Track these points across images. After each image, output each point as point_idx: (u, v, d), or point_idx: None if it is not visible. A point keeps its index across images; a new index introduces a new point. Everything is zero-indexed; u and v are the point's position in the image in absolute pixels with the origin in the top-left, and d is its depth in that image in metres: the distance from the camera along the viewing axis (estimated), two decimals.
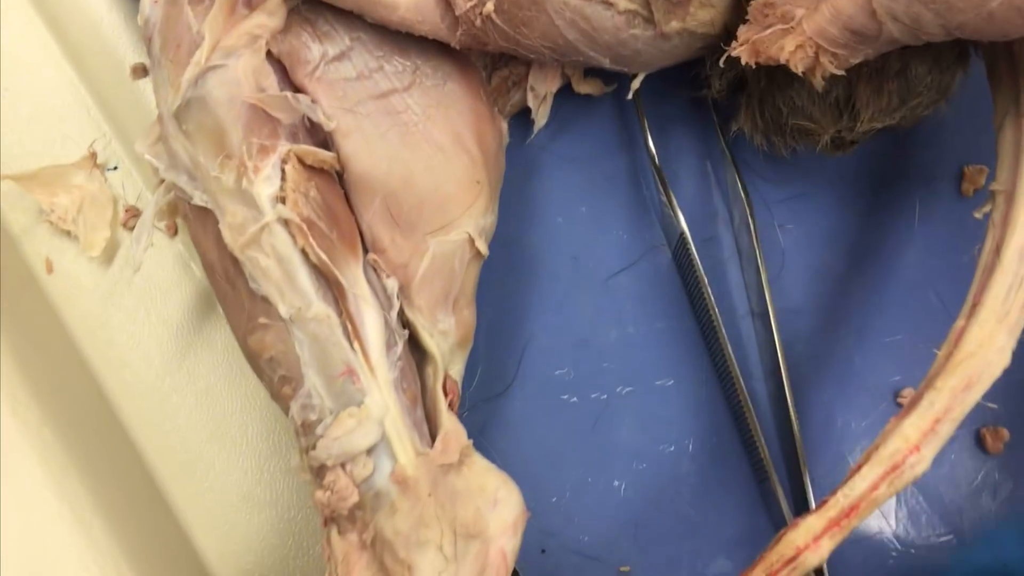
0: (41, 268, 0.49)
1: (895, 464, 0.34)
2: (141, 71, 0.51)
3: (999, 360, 0.36)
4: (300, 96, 0.39)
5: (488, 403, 0.46)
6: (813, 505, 0.42)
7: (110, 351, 0.48)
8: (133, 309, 0.49)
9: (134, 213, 0.50)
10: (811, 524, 0.34)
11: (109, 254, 0.49)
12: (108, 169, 0.51)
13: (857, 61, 0.38)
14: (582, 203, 0.48)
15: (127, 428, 0.47)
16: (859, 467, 0.34)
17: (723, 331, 0.43)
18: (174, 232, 0.50)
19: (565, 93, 0.48)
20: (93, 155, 0.50)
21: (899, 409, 0.44)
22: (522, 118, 0.48)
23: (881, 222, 0.48)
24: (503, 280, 0.47)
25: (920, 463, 0.34)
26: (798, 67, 0.38)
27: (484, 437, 0.45)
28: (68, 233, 0.49)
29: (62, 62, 0.52)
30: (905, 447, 0.34)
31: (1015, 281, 0.37)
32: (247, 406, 0.47)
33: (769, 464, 0.43)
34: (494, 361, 0.46)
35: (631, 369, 0.46)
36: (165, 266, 0.49)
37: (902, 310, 0.46)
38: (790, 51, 0.38)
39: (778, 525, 0.43)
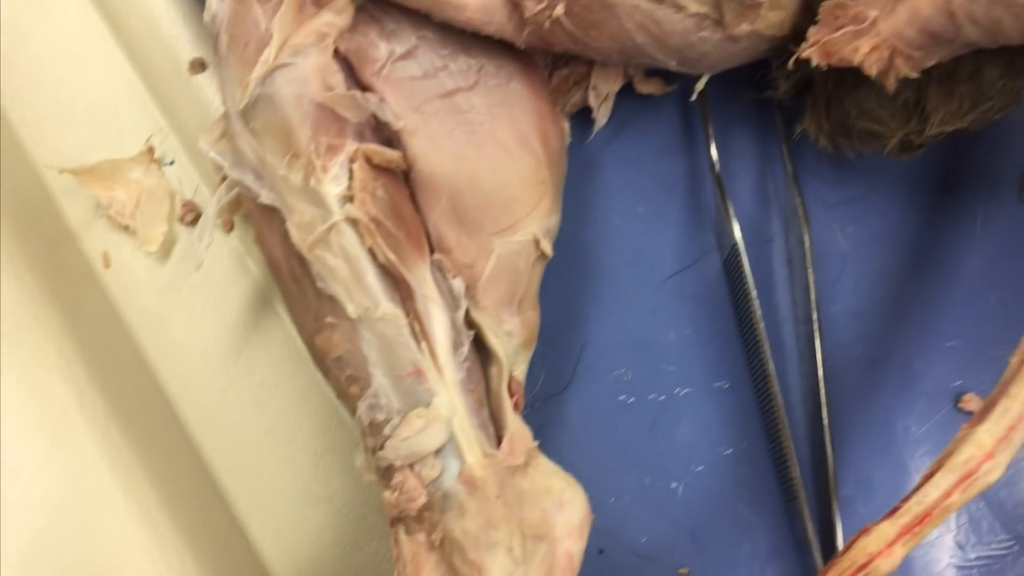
0: (99, 262, 0.49)
1: (969, 471, 0.34)
2: (199, 66, 0.51)
3: None
4: (369, 95, 0.39)
5: (546, 403, 0.46)
6: (838, 521, 0.42)
7: (167, 345, 0.48)
8: (190, 304, 0.49)
9: (191, 208, 0.50)
10: (884, 530, 0.34)
11: (166, 249, 0.50)
12: (165, 164, 0.51)
13: (931, 63, 0.38)
14: (640, 204, 0.48)
15: (184, 422, 0.47)
16: (932, 474, 0.34)
17: (766, 344, 0.43)
18: (230, 228, 0.50)
19: (625, 92, 0.47)
20: (150, 150, 0.50)
21: (959, 414, 0.44)
22: (581, 117, 0.47)
23: (942, 225, 0.47)
24: (561, 279, 0.46)
25: (994, 470, 0.34)
26: (872, 69, 0.37)
27: (542, 437, 0.44)
28: (126, 228, 0.49)
29: (119, 56, 0.52)
30: (979, 454, 0.34)
31: None
32: (303, 402, 0.47)
33: (798, 481, 0.43)
34: (552, 361, 0.46)
35: (689, 370, 0.46)
36: (222, 262, 0.49)
37: (963, 314, 0.46)
38: (864, 53, 0.37)
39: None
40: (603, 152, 0.48)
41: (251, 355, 0.48)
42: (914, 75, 0.37)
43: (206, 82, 0.51)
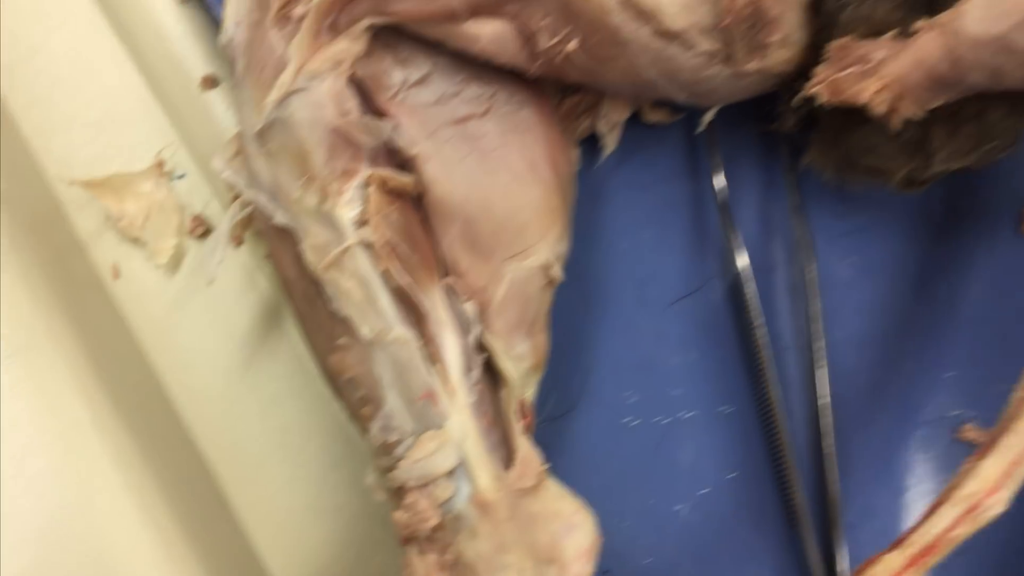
0: (108, 274, 0.50)
1: (974, 504, 0.34)
2: (210, 82, 0.52)
3: None
4: (383, 121, 0.39)
5: (552, 424, 0.46)
6: (844, 547, 0.43)
7: (175, 358, 0.49)
8: (198, 317, 0.49)
9: (200, 222, 0.50)
10: (891, 561, 0.34)
11: (175, 262, 0.50)
12: (175, 177, 0.51)
13: (936, 105, 0.38)
14: (647, 229, 0.49)
15: (193, 435, 0.48)
16: (937, 505, 0.35)
17: (771, 371, 0.44)
18: (240, 242, 0.50)
19: (633, 119, 0.48)
20: (161, 163, 0.51)
21: (959, 444, 0.45)
22: (589, 143, 0.48)
23: (943, 256, 0.48)
24: (568, 302, 0.47)
25: (998, 504, 0.35)
26: (878, 109, 0.38)
27: (547, 458, 0.45)
28: (135, 240, 0.50)
29: (130, 69, 0.52)
30: (984, 488, 0.35)
31: None
32: (310, 417, 0.48)
33: (802, 507, 0.43)
34: (558, 382, 0.47)
35: (693, 394, 0.47)
36: (231, 275, 0.50)
37: (962, 345, 0.47)
38: (871, 93, 0.38)
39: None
40: (611, 177, 0.49)
41: (259, 369, 0.49)
42: (919, 116, 0.38)
43: (217, 98, 0.52)
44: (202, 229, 0.50)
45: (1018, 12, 0.34)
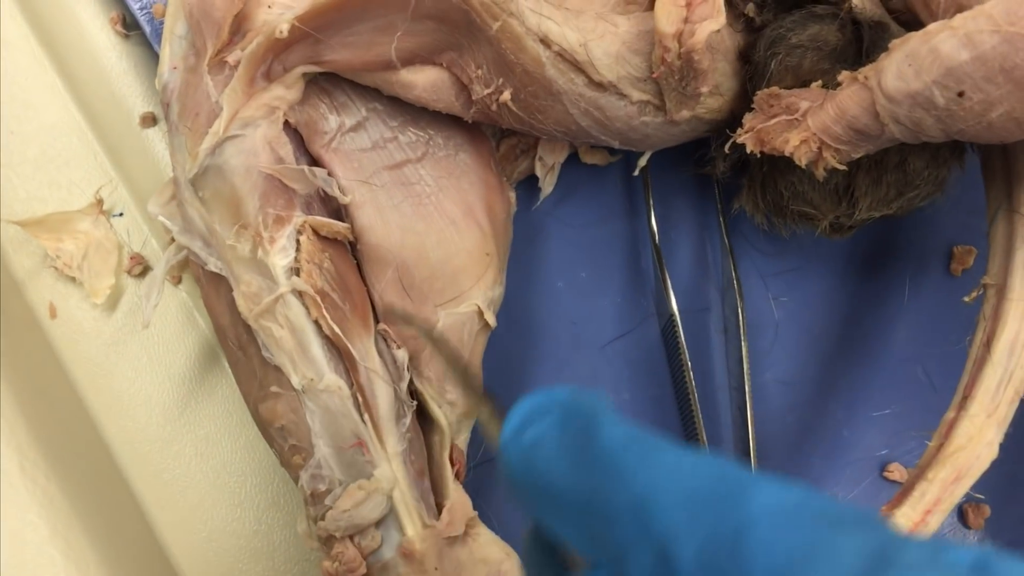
0: (45, 313, 0.49)
1: None
2: (150, 120, 0.52)
3: (988, 454, 0.37)
4: (316, 169, 0.39)
5: (485, 465, 0.46)
6: None
7: (112, 398, 0.49)
8: (136, 356, 0.49)
9: (139, 260, 0.50)
10: None
11: (113, 301, 0.50)
12: (114, 215, 0.51)
13: (859, 156, 0.39)
14: (583, 269, 0.49)
15: (127, 476, 0.48)
16: None
17: (699, 413, 0.45)
18: (178, 281, 0.50)
19: (571, 160, 0.49)
20: (99, 201, 0.50)
21: (885, 482, 0.46)
22: (528, 182, 0.49)
23: (873, 297, 0.49)
24: (503, 342, 0.47)
25: None
26: (802, 160, 0.39)
27: (480, 499, 0.46)
28: (73, 279, 0.50)
29: (70, 107, 0.52)
30: None
31: (1004, 376, 0.38)
32: (246, 457, 0.48)
33: None
34: None
35: None
36: (169, 314, 0.50)
37: (891, 385, 0.48)
38: (795, 145, 0.39)
39: None
40: (548, 217, 0.50)
41: (196, 409, 0.49)
42: (841, 167, 0.38)
43: (156, 136, 0.52)
44: (140, 267, 0.50)
45: (935, 69, 0.35)
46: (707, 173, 0.46)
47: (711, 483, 0.19)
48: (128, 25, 0.53)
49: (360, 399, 0.38)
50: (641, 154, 0.46)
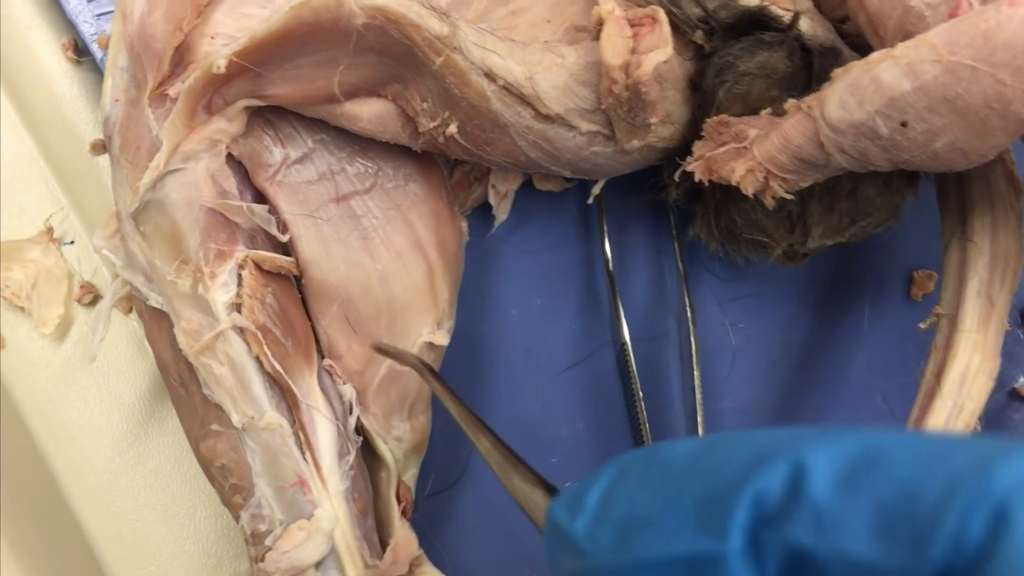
0: None
1: None
2: (101, 147, 0.51)
3: None
4: (256, 207, 0.39)
5: (436, 497, 0.46)
6: None
7: (60, 429, 0.48)
8: (85, 387, 0.49)
9: (89, 289, 0.50)
10: None
11: (62, 331, 0.49)
12: (64, 243, 0.50)
13: (807, 185, 0.39)
14: (537, 295, 0.49)
15: (74, 508, 0.47)
16: None
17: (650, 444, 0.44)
18: (128, 310, 0.49)
19: (526, 186, 0.48)
20: (50, 229, 0.50)
21: None
22: (481, 209, 0.48)
23: (832, 323, 0.49)
24: (455, 371, 0.47)
25: None
26: (748, 189, 0.38)
27: (432, 532, 0.45)
28: (21, 309, 0.49)
29: (22, 134, 0.51)
30: None
31: (954, 409, 0.38)
32: (196, 488, 0.47)
33: None
34: (444, 454, 0.46)
35: (580, 465, 0.47)
36: (119, 344, 0.49)
37: (850, 412, 0.47)
38: (741, 174, 0.38)
39: None
40: (502, 244, 0.49)
41: (145, 440, 0.48)
42: (789, 197, 0.38)
43: (107, 164, 0.51)
44: (91, 296, 0.50)
45: (877, 99, 0.34)
46: (662, 199, 0.46)
47: None
48: (80, 51, 0.52)
49: (302, 437, 0.37)
50: (595, 180, 0.46)
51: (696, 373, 0.45)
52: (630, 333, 0.46)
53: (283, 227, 0.39)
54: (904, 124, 0.35)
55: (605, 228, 0.47)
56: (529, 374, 0.48)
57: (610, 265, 0.47)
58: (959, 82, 0.33)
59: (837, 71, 0.36)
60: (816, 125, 0.36)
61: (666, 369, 0.48)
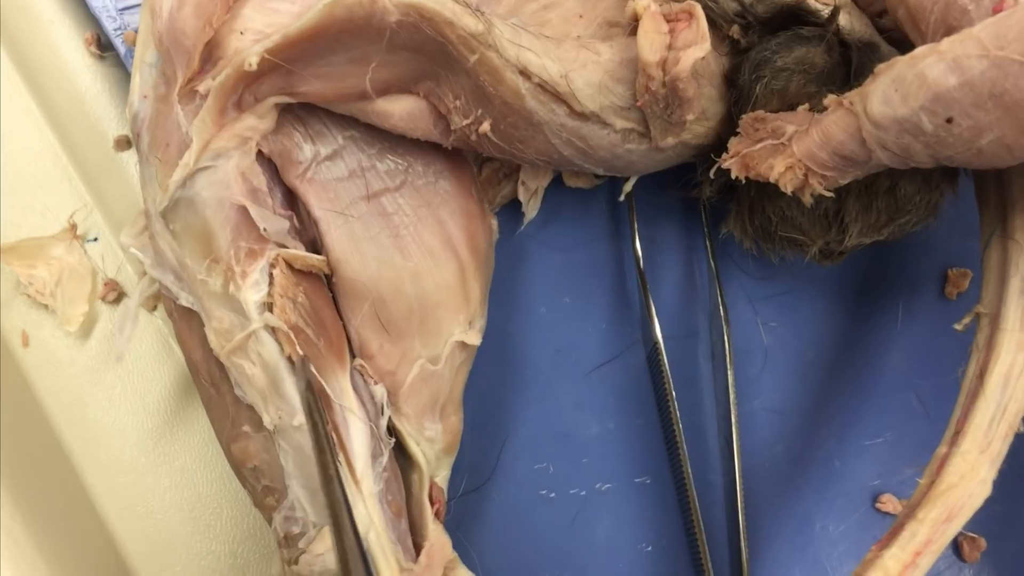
0: (17, 341, 0.48)
1: None
2: (124, 143, 0.50)
3: (981, 492, 0.36)
4: (281, 217, 0.38)
5: (466, 496, 0.45)
6: None
7: (85, 428, 0.48)
8: (110, 386, 0.48)
9: (113, 287, 0.49)
10: None
11: (87, 329, 0.49)
12: (88, 240, 0.50)
13: (846, 182, 0.38)
14: (566, 294, 0.48)
15: (99, 508, 0.47)
16: None
17: (683, 445, 0.44)
18: (153, 308, 0.49)
19: (556, 183, 0.48)
20: (73, 227, 0.49)
21: (877, 514, 0.45)
22: (512, 205, 0.48)
23: (865, 322, 0.48)
24: (485, 371, 0.46)
25: None
26: (787, 187, 0.38)
27: (461, 531, 0.45)
28: (46, 307, 0.49)
29: (45, 130, 0.51)
30: None
31: (997, 410, 0.37)
32: (222, 488, 0.47)
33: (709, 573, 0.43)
34: (474, 454, 0.46)
35: (610, 465, 0.46)
36: (144, 342, 0.49)
37: (883, 413, 0.47)
38: (779, 171, 0.38)
39: None
40: (532, 241, 0.48)
41: (171, 439, 0.48)
42: (828, 194, 0.37)
43: (131, 159, 0.50)
44: (115, 294, 0.49)
45: (922, 95, 0.34)
46: (694, 196, 0.45)
47: None
48: (103, 46, 0.51)
49: (335, 438, 0.37)
50: (627, 177, 0.45)
51: (729, 373, 0.44)
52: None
53: (314, 224, 0.39)
54: (949, 120, 0.34)
55: (636, 225, 0.46)
56: (559, 373, 0.47)
57: (641, 263, 0.46)
58: (1007, 78, 0.32)
59: (880, 66, 0.35)
60: (858, 121, 0.36)
61: (696, 368, 0.47)
